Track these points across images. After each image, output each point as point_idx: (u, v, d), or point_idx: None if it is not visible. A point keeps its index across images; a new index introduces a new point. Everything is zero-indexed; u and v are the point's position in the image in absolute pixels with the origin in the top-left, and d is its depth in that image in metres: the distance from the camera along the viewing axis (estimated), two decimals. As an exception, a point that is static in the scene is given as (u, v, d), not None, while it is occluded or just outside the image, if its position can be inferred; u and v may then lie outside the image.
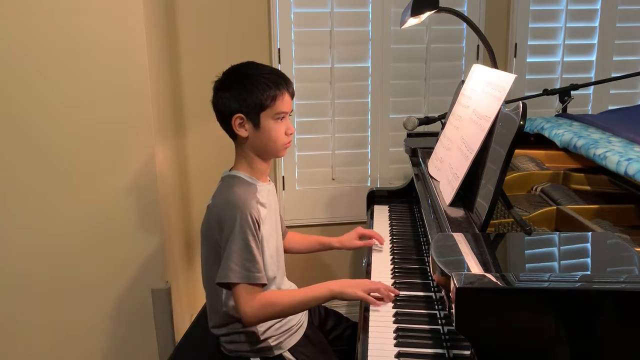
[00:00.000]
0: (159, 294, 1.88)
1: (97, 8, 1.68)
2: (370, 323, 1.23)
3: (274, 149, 1.37)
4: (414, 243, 1.67)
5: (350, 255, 2.44)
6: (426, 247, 1.58)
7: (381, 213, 1.94)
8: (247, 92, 1.31)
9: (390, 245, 1.67)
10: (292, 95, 1.38)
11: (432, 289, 1.36)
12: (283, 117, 1.35)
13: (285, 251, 1.55)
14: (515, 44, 2.32)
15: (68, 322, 1.87)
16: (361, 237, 1.69)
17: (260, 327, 1.37)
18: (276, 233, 1.44)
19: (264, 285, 1.32)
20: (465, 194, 1.24)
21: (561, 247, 1.00)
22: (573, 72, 2.33)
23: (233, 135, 1.37)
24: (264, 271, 1.32)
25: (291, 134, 1.38)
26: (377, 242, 1.66)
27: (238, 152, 1.41)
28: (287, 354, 1.40)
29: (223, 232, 1.30)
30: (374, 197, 2.04)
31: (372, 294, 1.30)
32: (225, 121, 1.36)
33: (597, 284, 0.83)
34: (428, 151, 1.67)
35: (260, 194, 1.37)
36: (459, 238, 1.03)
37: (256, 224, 1.31)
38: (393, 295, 1.32)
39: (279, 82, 1.33)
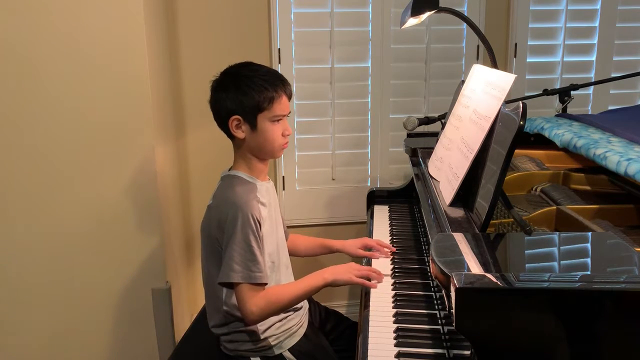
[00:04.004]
0: (159, 294, 1.89)
1: (97, 8, 1.68)
2: (370, 323, 1.23)
3: (271, 149, 1.38)
4: (414, 243, 1.67)
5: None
6: (426, 247, 1.58)
7: (381, 213, 1.94)
8: (244, 94, 1.31)
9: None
10: (289, 97, 1.38)
11: (432, 289, 1.36)
12: (280, 119, 1.36)
13: (290, 254, 1.55)
14: (515, 44, 2.32)
15: (68, 322, 1.87)
16: (366, 247, 1.64)
17: (261, 327, 1.37)
18: (276, 231, 1.45)
19: (265, 284, 1.33)
20: (465, 194, 1.24)
21: (561, 247, 1.00)
22: (573, 72, 2.33)
23: (230, 135, 1.38)
24: (265, 271, 1.32)
25: (288, 135, 1.39)
26: (381, 256, 1.58)
27: (236, 152, 1.41)
28: (287, 354, 1.40)
29: (224, 232, 1.30)
30: (374, 197, 2.04)
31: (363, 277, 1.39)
32: (222, 122, 1.36)
33: (597, 284, 0.83)
34: (428, 151, 1.67)
35: (260, 193, 1.37)
36: (459, 238, 1.03)
37: (257, 224, 1.32)
38: (382, 276, 1.41)
39: (276, 84, 1.33)
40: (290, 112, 1.40)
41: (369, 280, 1.39)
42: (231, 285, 1.32)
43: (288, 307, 1.39)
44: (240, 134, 1.35)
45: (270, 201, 1.42)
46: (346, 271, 1.39)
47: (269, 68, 1.40)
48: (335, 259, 1.86)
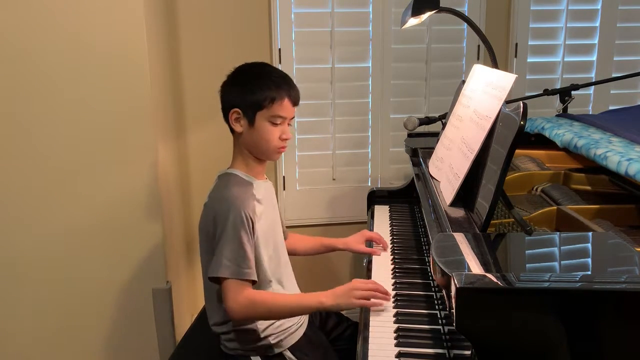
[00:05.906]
0: (160, 294, 1.89)
1: (97, 8, 1.68)
2: (371, 323, 1.23)
3: (266, 150, 1.38)
4: (415, 243, 1.67)
5: (352, 254, 2.44)
6: (427, 247, 1.58)
7: (382, 213, 1.94)
8: (248, 89, 1.34)
9: (391, 245, 1.67)
10: (294, 103, 1.38)
11: (433, 289, 1.36)
12: (280, 122, 1.36)
13: (288, 253, 1.55)
14: (516, 44, 2.32)
15: (68, 322, 1.87)
16: (367, 240, 1.67)
17: (261, 326, 1.37)
18: (274, 231, 1.45)
19: (254, 282, 1.33)
20: (466, 194, 1.24)
21: (561, 247, 1.00)
22: (573, 72, 2.33)
23: (231, 128, 1.39)
24: (254, 268, 1.32)
25: (286, 139, 1.38)
26: (380, 252, 1.62)
27: (235, 148, 1.43)
28: (287, 353, 1.41)
29: (217, 228, 1.31)
30: (375, 197, 2.04)
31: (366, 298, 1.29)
32: (224, 113, 1.39)
33: (598, 284, 0.83)
34: (428, 151, 1.68)
35: (256, 190, 1.38)
36: (460, 238, 1.03)
37: (250, 221, 1.32)
38: (388, 297, 1.31)
39: (281, 86, 1.35)
40: (293, 118, 1.41)
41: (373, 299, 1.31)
42: (218, 280, 1.31)
43: (272, 316, 1.36)
44: (238, 127, 1.37)
45: (267, 199, 1.42)
46: (346, 295, 1.30)
47: (281, 72, 1.41)
48: (335, 254, 1.87)
